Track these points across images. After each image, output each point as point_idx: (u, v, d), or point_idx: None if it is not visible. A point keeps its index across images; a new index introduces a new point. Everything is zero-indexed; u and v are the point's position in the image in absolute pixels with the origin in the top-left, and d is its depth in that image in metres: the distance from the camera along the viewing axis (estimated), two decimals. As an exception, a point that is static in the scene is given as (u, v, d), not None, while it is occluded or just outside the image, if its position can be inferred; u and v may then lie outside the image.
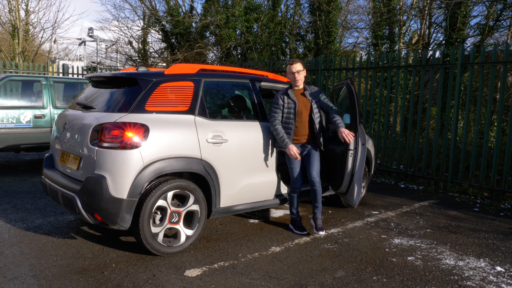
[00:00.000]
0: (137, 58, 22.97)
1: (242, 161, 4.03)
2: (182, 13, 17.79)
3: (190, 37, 17.39)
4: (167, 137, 3.49)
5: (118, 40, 29.41)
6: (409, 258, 3.75)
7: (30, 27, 19.51)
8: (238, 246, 3.90)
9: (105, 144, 3.31)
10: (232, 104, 4.25)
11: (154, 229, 3.48)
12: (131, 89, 3.61)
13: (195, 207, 3.71)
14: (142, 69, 4.02)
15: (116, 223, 3.32)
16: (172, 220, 3.60)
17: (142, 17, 21.92)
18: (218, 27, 16.00)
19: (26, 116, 7.04)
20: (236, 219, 4.77)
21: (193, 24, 17.73)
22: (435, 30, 15.73)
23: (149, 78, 3.61)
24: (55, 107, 7.35)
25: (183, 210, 3.65)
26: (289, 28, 16.37)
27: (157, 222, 3.53)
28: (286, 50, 17.36)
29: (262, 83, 4.48)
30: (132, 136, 3.31)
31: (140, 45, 22.99)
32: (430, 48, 15.66)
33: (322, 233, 4.25)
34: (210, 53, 19.26)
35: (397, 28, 15.13)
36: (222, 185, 3.87)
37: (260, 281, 3.18)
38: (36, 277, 3.11)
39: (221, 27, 15.96)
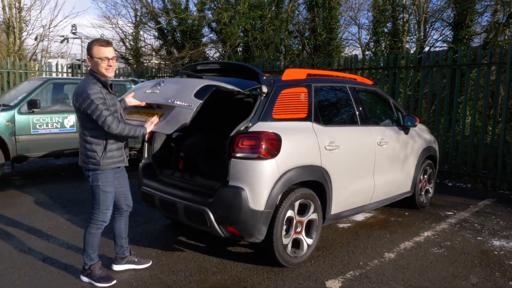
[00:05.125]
0: (128, 55, 22.46)
1: (350, 167, 4.00)
2: (185, 11, 17.46)
3: (196, 34, 17.11)
4: (295, 146, 3.42)
5: (103, 36, 28.65)
6: (523, 260, 3.81)
7: (24, 25, 18.76)
8: (352, 254, 3.86)
9: (240, 155, 3.20)
10: (338, 108, 4.20)
11: (284, 240, 3.40)
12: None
13: (314, 216, 3.65)
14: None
15: (253, 236, 3.22)
16: (297, 230, 3.54)
17: (134, 14, 21.43)
18: (224, 24, 15.79)
19: (70, 120, 6.77)
20: (326, 225, 4.73)
21: (189, 22, 17.40)
22: (432, 27, 16.05)
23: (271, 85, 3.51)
24: (97, 110, 7.09)
25: (305, 219, 3.59)
26: (285, 24, 16.30)
27: (284, 232, 3.45)
28: (281, 47, 17.32)
29: (357, 86, 4.44)
30: (268, 146, 3.21)
31: (132, 43, 22.46)
32: (430, 45, 15.99)
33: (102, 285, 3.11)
34: (213, 50, 19.08)
35: (400, 25, 15.28)
36: (334, 192, 3.81)
37: (405, 290, 3.16)
38: (182, 295, 2.99)
39: (227, 24, 15.78)
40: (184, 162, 4.03)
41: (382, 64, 8.29)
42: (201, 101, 2.99)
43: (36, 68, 12.94)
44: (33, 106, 6.25)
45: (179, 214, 3.52)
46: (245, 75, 3.63)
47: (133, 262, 3.44)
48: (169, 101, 3.09)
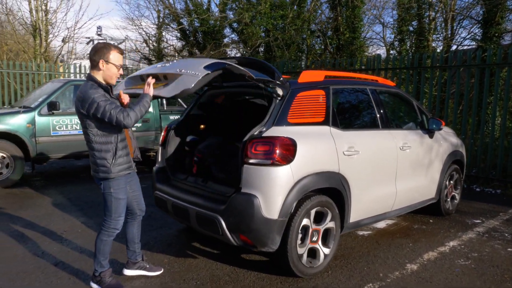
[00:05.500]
0: (151, 56, 22.63)
1: (370, 173, 3.81)
2: (207, 11, 17.46)
3: (217, 34, 17.09)
4: (311, 152, 3.26)
5: (127, 38, 29.07)
6: (559, 275, 3.53)
7: (50, 28, 19.14)
8: (371, 264, 3.68)
9: (253, 160, 3.08)
10: (358, 112, 4.02)
11: (299, 250, 3.25)
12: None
13: (331, 224, 3.48)
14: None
15: (266, 245, 3.09)
16: (313, 239, 3.38)
17: (157, 15, 21.58)
18: (245, 24, 15.69)
19: (89, 122, 6.79)
20: (345, 233, 4.55)
21: (211, 22, 17.37)
22: (459, 25, 15.46)
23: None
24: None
25: (322, 228, 3.43)
26: (307, 24, 16.04)
27: (299, 242, 3.30)
28: (303, 47, 17.04)
29: (378, 88, 4.25)
30: (283, 151, 3.07)
31: (155, 44, 22.64)
32: (458, 44, 15.43)
33: None
34: (234, 50, 19.00)
35: (426, 23, 14.83)
36: (353, 199, 3.64)
37: (429, 306, 2.96)
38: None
39: (248, 24, 15.68)
40: (198, 166, 3.94)
41: (406, 64, 7.99)
42: (209, 72, 2.81)
43: (61, 70, 13.20)
44: (53, 108, 6.30)
45: (191, 221, 3.43)
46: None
47: (145, 268, 3.36)
48: (177, 70, 2.93)
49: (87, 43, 41.64)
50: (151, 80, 2.92)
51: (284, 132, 3.16)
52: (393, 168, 4.08)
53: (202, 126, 4.30)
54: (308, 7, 16.27)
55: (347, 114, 4.02)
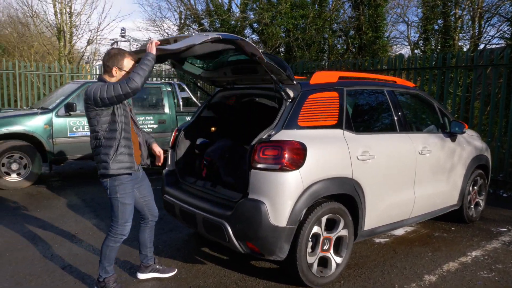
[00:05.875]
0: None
1: (386, 179, 3.63)
2: (228, 12, 17.43)
3: (237, 35, 17.02)
4: (323, 156, 3.12)
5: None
6: None
7: (74, 30, 19.53)
8: (386, 274, 3.50)
9: (261, 165, 2.96)
10: (374, 114, 3.85)
11: (309, 259, 3.11)
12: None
13: (344, 232, 3.33)
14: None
15: (274, 254, 2.97)
16: (324, 248, 3.23)
17: (178, 16, 21.70)
18: (265, 25, 15.56)
19: (105, 123, 6.82)
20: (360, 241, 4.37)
21: (231, 23, 17.32)
22: (487, 23, 14.89)
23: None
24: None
25: (334, 236, 3.28)
26: (329, 24, 15.76)
27: (309, 250, 3.16)
28: (325, 47, 16.77)
29: (396, 90, 4.06)
30: (292, 156, 2.93)
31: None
32: (486, 42, 14.86)
33: None
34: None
35: (452, 21, 14.33)
36: (368, 206, 3.47)
37: (447, 323, 2.77)
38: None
39: (268, 25, 15.55)
40: (208, 170, 3.85)
41: (429, 64, 7.67)
42: (220, 36, 2.71)
43: (83, 72, 13.45)
44: (70, 109, 6.35)
45: (198, 226, 3.34)
46: None
47: (158, 271, 3.32)
48: (189, 33, 2.84)
49: (112, 45, 42.43)
50: (154, 39, 2.87)
51: (294, 135, 3.03)
52: (411, 173, 3.88)
53: (213, 128, 4.21)
54: (329, 6, 16.02)
55: (362, 116, 3.85)
